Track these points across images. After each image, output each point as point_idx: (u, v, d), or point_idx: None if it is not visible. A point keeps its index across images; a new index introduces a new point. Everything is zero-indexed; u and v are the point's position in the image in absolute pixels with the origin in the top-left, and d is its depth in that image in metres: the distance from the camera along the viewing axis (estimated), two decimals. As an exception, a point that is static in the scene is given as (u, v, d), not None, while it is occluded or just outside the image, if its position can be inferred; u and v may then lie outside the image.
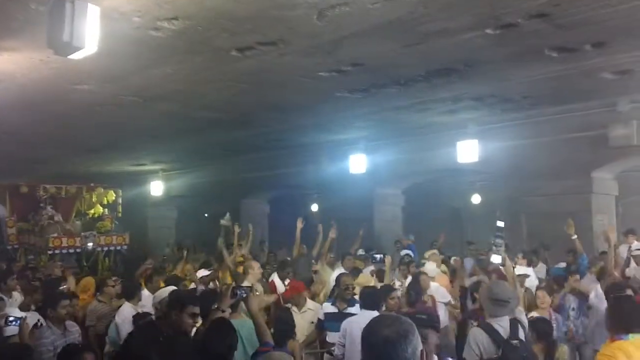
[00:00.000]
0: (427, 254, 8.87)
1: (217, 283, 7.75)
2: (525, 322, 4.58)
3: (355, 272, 7.99)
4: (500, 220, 6.09)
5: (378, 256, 7.84)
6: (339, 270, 7.84)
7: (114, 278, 7.62)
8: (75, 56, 4.16)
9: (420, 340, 2.21)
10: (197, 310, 4.35)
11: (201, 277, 7.69)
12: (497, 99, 7.98)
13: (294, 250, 9.09)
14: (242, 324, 4.59)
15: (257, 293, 4.58)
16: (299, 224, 8.98)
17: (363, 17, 4.75)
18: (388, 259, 7.52)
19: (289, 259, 9.07)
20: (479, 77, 6.78)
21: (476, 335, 4.19)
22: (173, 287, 5.58)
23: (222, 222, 9.58)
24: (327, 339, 5.81)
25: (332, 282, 7.22)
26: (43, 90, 6.85)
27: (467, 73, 6.53)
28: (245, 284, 7.07)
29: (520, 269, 7.09)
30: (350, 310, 5.74)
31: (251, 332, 4.42)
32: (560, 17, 4.86)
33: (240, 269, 7.98)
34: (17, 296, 7.23)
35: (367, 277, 7.46)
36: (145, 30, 4.90)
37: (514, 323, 4.22)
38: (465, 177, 13.82)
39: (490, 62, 6.19)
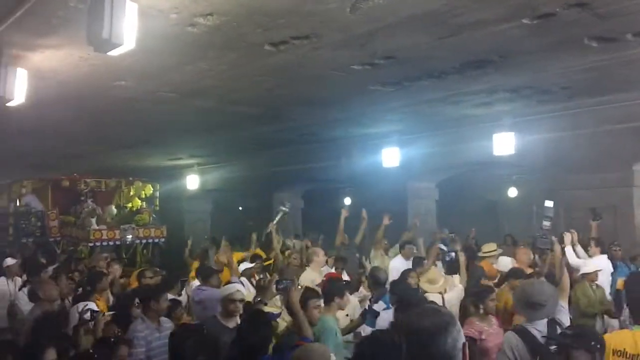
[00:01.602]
0: (486, 248, 7.99)
1: (268, 275, 7.76)
2: (566, 323, 4.18)
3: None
4: (549, 200, 5.74)
5: (452, 253, 7.22)
6: (399, 259, 7.75)
7: (153, 270, 7.75)
8: (114, 53, 4.25)
9: (463, 334, 2.16)
10: None
11: (244, 270, 7.72)
12: (534, 91, 7.85)
13: (337, 239, 8.99)
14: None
15: (299, 287, 4.52)
16: (344, 213, 8.88)
17: (396, 9, 4.74)
18: (462, 257, 6.81)
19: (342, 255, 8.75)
20: (514, 69, 6.69)
21: (510, 340, 3.91)
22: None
23: (282, 208, 9.52)
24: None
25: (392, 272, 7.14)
26: (83, 87, 7.02)
27: (503, 64, 6.45)
28: (310, 272, 7.07)
29: (594, 262, 6.69)
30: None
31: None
32: (600, 5, 4.77)
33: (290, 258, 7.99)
34: None
35: (436, 273, 6.71)
36: (182, 26, 4.98)
37: (553, 325, 3.90)
38: (501, 170, 13.63)
39: (526, 53, 6.09)
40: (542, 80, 7.31)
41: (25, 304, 6.32)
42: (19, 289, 7.25)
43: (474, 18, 4.97)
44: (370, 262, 8.41)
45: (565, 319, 4.27)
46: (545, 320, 3.92)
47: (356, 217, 9.02)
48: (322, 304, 4.73)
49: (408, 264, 7.62)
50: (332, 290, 5.07)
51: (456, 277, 6.73)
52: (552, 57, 6.27)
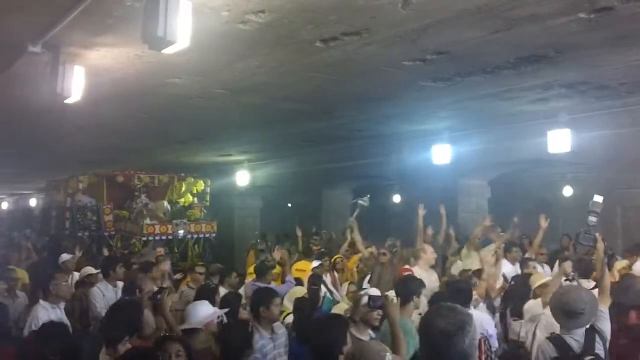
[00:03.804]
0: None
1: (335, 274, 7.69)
2: (607, 330, 3.94)
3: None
4: (598, 195, 5.43)
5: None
6: (506, 264, 7.12)
7: (217, 265, 7.88)
8: (168, 51, 4.32)
9: (478, 330, 2.10)
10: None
11: (313, 268, 7.71)
12: (591, 86, 7.61)
13: (418, 237, 8.74)
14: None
15: (393, 300, 3.99)
16: (420, 211, 8.61)
17: (448, 4, 4.67)
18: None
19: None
20: (570, 64, 6.48)
21: (545, 349, 3.77)
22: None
23: (360, 201, 9.28)
24: None
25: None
26: (137, 84, 7.18)
27: (558, 60, 6.26)
28: (417, 271, 6.81)
29: None
30: None
31: None
32: (661, -2, 4.58)
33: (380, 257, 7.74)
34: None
35: (541, 275, 6.36)
36: (234, 24, 5.04)
37: (591, 334, 3.73)
38: (556, 168, 13.31)
39: (583, 48, 5.90)
40: (599, 75, 7.06)
41: (99, 300, 6.34)
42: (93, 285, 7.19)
43: (528, 12, 4.84)
44: (461, 260, 8.15)
45: (606, 326, 3.99)
46: (583, 329, 3.74)
47: (404, 215, 8.92)
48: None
49: (515, 268, 7.33)
50: (409, 289, 4.71)
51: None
52: (610, 52, 6.05)
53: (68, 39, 5.42)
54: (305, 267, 8.61)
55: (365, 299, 4.22)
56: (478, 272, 6.52)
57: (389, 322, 3.92)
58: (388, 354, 2.87)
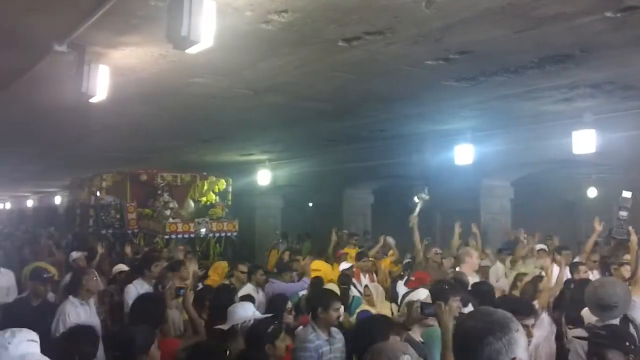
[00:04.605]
0: None
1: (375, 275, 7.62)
2: None
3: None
4: (627, 190, 5.56)
5: None
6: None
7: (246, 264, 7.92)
8: (192, 50, 4.35)
9: (515, 341, 1.94)
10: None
11: (344, 270, 7.70)
12: (617, 86, 7.49)
13: (452, 244, 8.66)
14: None
15: (446, 308, 3.78)
16: (457, 229, 8.56)
17: (472, 3, 4.63)
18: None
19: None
20: (596, 64, 6.39)
21: (580, 341, 3.86)
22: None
23: (422, 196, 8.97)
24: None
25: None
26: (161, 84, 7.24)
27: (584, 59, 6.18)
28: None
29: None
30: None
31: None
32: (690, -4, 4.50)
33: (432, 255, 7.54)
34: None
35: None
36: (257, 23, 5.05)
37: (625, 324, 3.85)
38: (581, 168, 13.14)
39: (609, 48, 5.81)
40: (625, 75, 6.95)
41: (133, 298, 6.33)
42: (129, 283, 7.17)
43: (554, 11, 4.79)
44: (511, 268, 8.04)
45: (639, 315, 4.10)
46: (618, 320, 3.87)
47: (424, 215, 8.83)
48: None
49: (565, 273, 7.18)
50: (439, 293, 4.48)
51: None
52: (636, 51, 5.95)
53: (93, 39, 5.48)
54: (321, 267, 8.63)
55: (417, 306, 4.12)
56: (533, 280, 6.14)
57: (441, 330, 3.81)
58: (407, 355, 2.75)
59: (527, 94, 7.87)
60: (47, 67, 6.28)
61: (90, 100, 6.03)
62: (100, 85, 5.85)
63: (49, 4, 4.75)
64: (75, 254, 8.70)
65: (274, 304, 5.44)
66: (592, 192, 15.05)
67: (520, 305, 4.00)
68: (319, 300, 4.80)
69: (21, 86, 7.26)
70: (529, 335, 3.75)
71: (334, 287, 7.00)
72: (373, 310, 6.38)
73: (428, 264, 7.50)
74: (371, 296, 6.29)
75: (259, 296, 6.86)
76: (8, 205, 39.01)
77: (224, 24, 4.70)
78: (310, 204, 18.82)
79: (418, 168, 12.47)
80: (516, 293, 6.24)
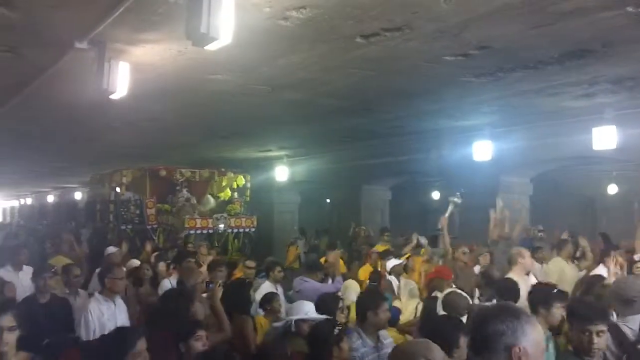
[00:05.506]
0: None
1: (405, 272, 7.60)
2: None
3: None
4: None
5: None
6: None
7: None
8: (211, 47, 4.36)
9: (522, 331, 1.94)
10: None
11: (392, 267, 7.63)
12: (638, 82, 7.40)
13: (491, 232, 8.47)
14: None
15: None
16: (500, 203, 8.40)
17: (492, -2, 4.61)
18: None
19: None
20: (617, 59, 6.32)
21: None
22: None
23: (454, 199, 8.97)
24: None
25: None
26: (180, 80, 7.29)
27: (605, 55, 6.11)
28: (512, 276, 5.88)
29: None
30: None
31: None
32: None
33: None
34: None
35: None
36: (275, 20, 5.07)
37: None
38: (601, 165, 12.99)
39: (630, 43, 5.74)
40: (648, 70, 6.88)
41: None
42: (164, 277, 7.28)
43: (573, 5, 4.74)
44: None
45: None
46: (639, 316, 3.86)
47: (443, 212, 8.79)
48: None
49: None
50: (538, 299, 4.18)
51: None
52: (659, 46, 5.89)
53: (114, 36, 5.53)
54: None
55: None
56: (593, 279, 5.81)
57: None
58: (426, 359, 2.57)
59: (546, 90, 7.80)
60: (69, 64, 6.34)
61: (111, 97, 6.08)
62: (120, 81, 5.89)
63: (70, 1, 4.81)
64: (111, 249, 8.75)
65: (327, 303, 5.14)
66: (612, 189, 14.87)
67: (597, 311, 3.65)
68: (368, 302, 4.54)
69: (43, 83, 7.34)
70: (602, 343, 3.43)
71: (354, 285, 7.02)
72: (399, 304, 6.39)
73: (456, 264, 7.48)
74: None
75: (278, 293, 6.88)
76: (29, 201, 39.52)
77: (243, 20, 4.72)
78: (328, 200, 18.82)
79: (436, 164, 12.43)
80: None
